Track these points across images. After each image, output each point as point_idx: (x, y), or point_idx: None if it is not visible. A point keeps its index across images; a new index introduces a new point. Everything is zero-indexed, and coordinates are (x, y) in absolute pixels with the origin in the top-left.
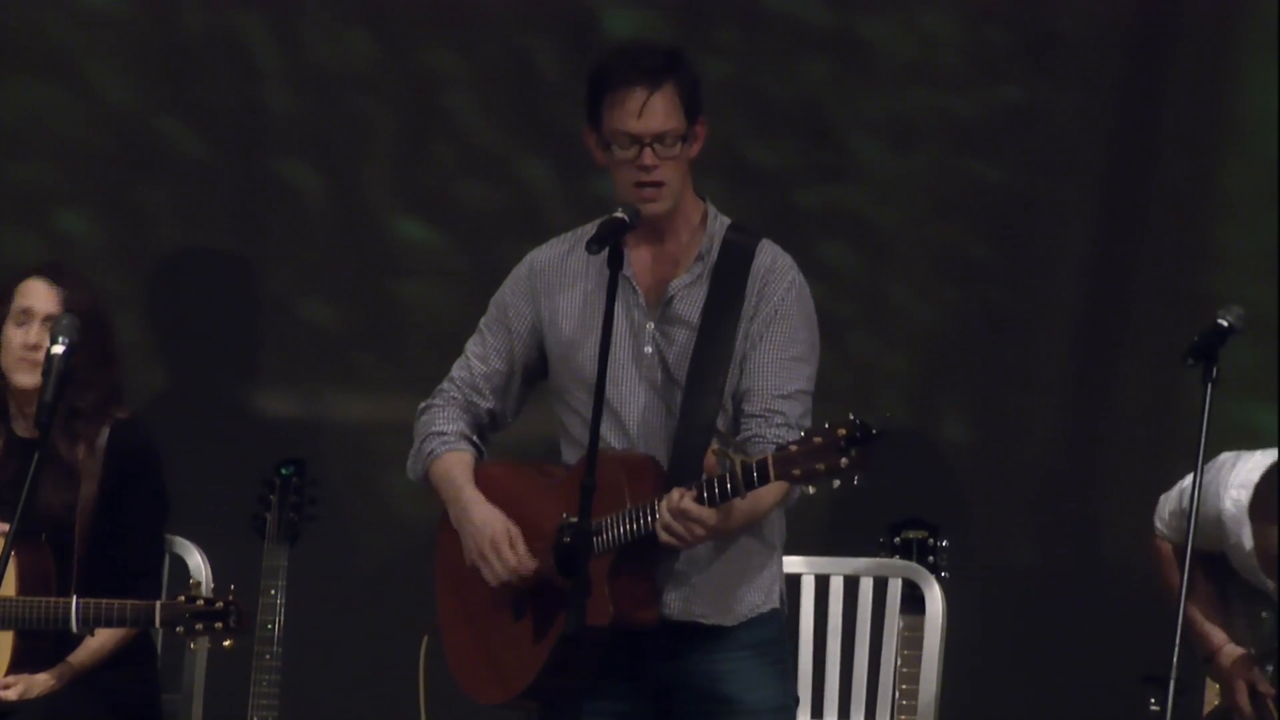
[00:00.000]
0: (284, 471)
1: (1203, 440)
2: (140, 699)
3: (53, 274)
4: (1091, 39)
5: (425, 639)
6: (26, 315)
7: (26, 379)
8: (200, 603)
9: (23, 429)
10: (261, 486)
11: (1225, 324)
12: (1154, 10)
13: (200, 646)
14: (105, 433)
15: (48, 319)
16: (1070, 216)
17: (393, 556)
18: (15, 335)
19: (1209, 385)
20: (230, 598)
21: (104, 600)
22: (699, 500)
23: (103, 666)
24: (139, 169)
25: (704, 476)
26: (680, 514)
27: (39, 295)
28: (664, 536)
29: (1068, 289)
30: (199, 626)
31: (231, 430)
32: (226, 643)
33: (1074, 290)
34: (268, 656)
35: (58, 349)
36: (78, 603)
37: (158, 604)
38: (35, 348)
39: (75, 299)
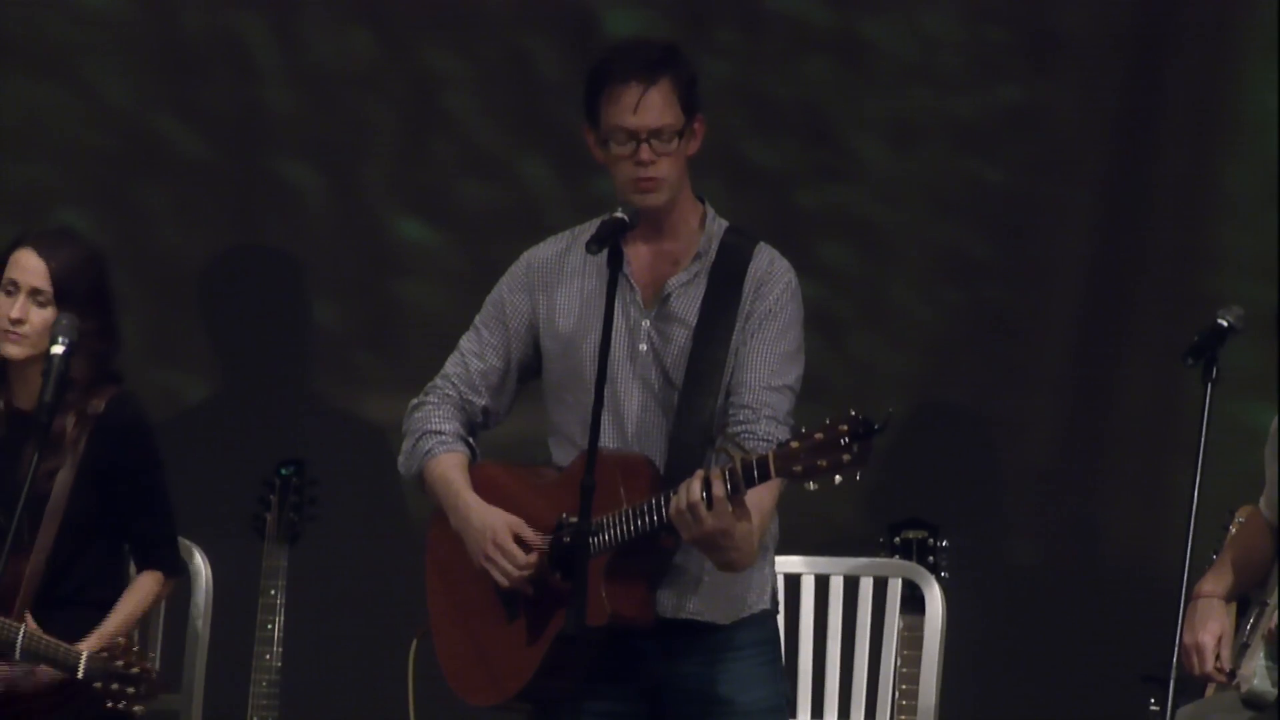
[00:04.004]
0: (284, 471)
1: (1203, 440)
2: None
3: (43, 245)
4: (1091, 39)
5: (414, 640)
6: (13, 287)
7: (12, 350)
8: (120, 664)
9: (20, 399)
10: (261, 486)
11: (1225, 324)
12: (1154, 10)
13: (114, 704)
14: (97, 406)
15: (33, 293)
16: (1070, 216)
17: (393, 556)
18: (2, 305)
19: (1209, 385)
20: (146, 665)
21: (45, 637)
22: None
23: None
24: (139, 169)
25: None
26: (699, 503)
27: (24, 268)
28: (681, 527)
29: (1068, 289)
30: (114, 686)
31: (231, 430)
32: (137, 708)
33: (1074, 290)
34: (268, 656)
35: (57, 349)
36: (24, 630)
37: (85, 655)
38: (18, 321)
39: (64, 271)
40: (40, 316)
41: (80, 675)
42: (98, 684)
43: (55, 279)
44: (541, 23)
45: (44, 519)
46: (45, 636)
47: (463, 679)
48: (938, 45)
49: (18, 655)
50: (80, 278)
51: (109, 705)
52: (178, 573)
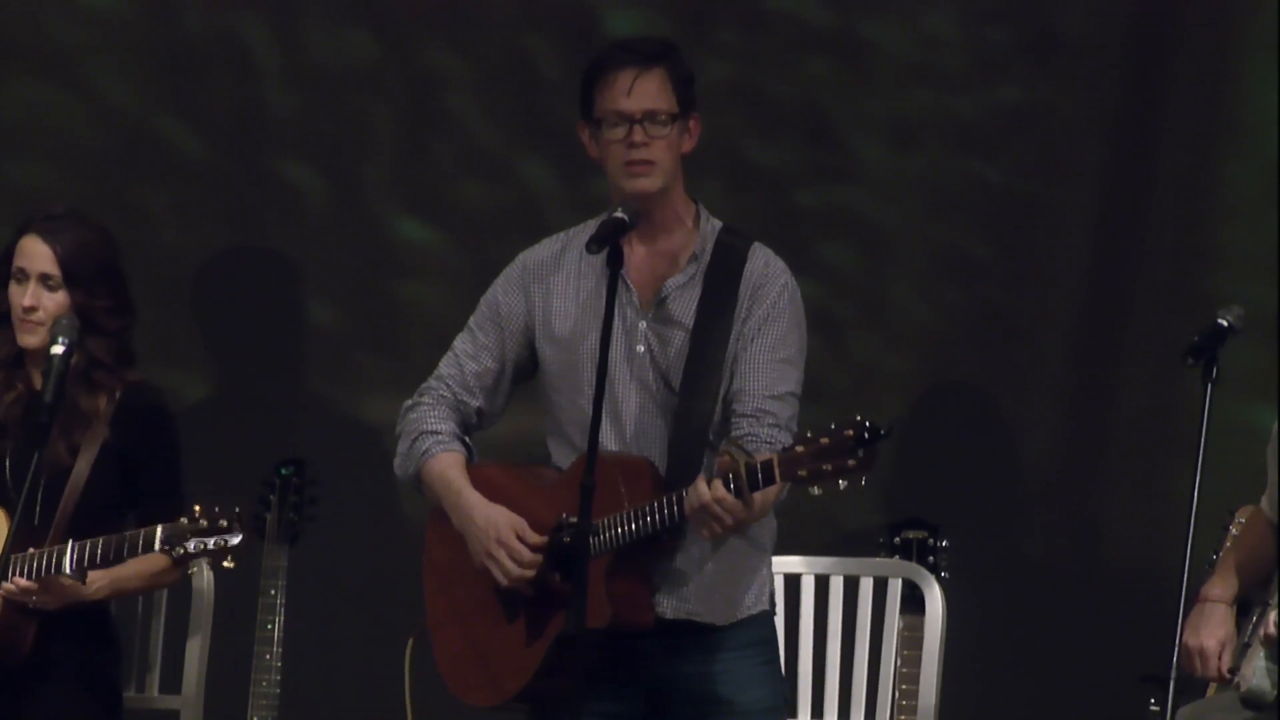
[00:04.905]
0: (284, 471)
1: (1202, 440)
2: (101, 706)
3: (47, 229)
4: (1091, 39)
5: (411, 641)
6: (22, 274)
7: (28, 339)
8: (204, 522)
9: (40, 382)
10: (261, 486)
11: (1225, 324)
12: (1154, 10)
13: (199, 568)
14: (117, 393)
15: (42, 278)
16: (1070, 216)
17: (393, 556)
18: (15, 294)
19: (1209, 385)
20: (237, 510)
21: (99, 539)
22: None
23: (65, 673)
24: (139, 169)
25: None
26: (715, 503)
27: (31, 254)
28: (699, 524)
29: (1068, 289)
30: (201, 545)
31: (231, 430)
32: (227, 563)
33: (1074, 290)
34: (268, 656)
35: (57, 349)
36: (73, 545)
37: (159, 527)
38: (31, 309)
39: (70, 253)
40: (53, 301)
41: (158, 547)
42: (182, 549)
43: (62, 262)
44: (541, 23)
45: (64, 495)
46: (98, 539)
47: (461, 679)
48: (938, 45)
49: (70, 568)
50: (87, 258)
51: (192, 570)
52: (185, 563)
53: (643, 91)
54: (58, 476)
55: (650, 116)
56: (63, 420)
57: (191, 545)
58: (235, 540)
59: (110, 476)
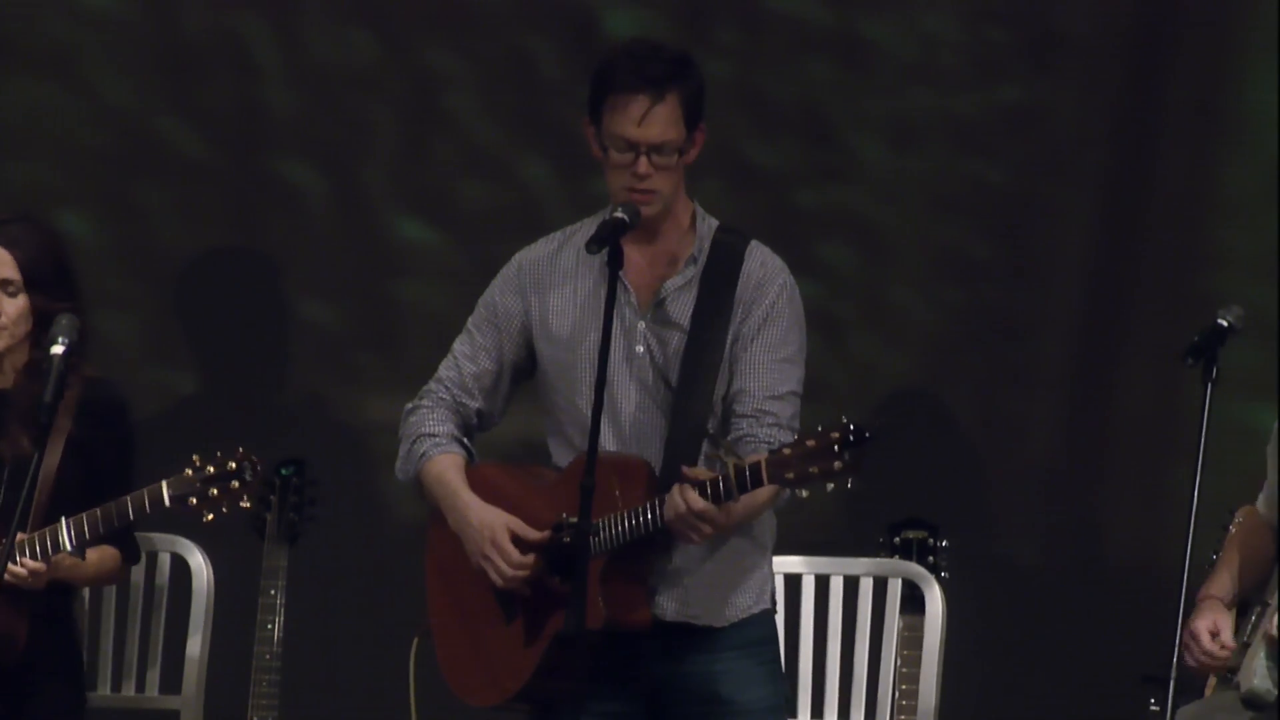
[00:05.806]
0: (284, 471)
1: (1203, 440)
2: (72, 701)
3: (4, 236)
4: (1091, 39)
5: (415, 640)
6: None
7: None
8: (211, 469)
9: None
10: (261, 486)
11: (1225, 324)
12: (1154, 10)
13: (211, 515)
14: (78, 388)
15: (2, 284)
16: (1070, 216)
17: (392, 556)
18: None
19: (1209, 385)
20: (240, 451)
21: (95, 510)
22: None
23: (35, 668)
24: (139, 169)
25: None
26: (691, 513)
27: None
28: (678, 532)
29: (1068, 289)
30: (213, 493)
31: (231, 430)
32: (244, 503)
33: (1074, 290)
34: (268, 656)
35: (57, 349)
36: (67, 523)
37: (164, 482)
38: None
39: (30, 257)
40: (14, 306)
41: (167, 503)
42: (193, 500)
43: (22, 267)
44: (541, 23)
45: (36, 488)
46: (94, 511)
47: (462, 680)
48: (938, 45)
49: (70, 546)
50: (46, 262)
51: (208, 517)
52: (133, 559)
53: (653, 122)
54: (24, 469)
55: (658, 149)
56: (25, 414)
57: (204, 492)
58: (248, 478)
59: (77, 469)
